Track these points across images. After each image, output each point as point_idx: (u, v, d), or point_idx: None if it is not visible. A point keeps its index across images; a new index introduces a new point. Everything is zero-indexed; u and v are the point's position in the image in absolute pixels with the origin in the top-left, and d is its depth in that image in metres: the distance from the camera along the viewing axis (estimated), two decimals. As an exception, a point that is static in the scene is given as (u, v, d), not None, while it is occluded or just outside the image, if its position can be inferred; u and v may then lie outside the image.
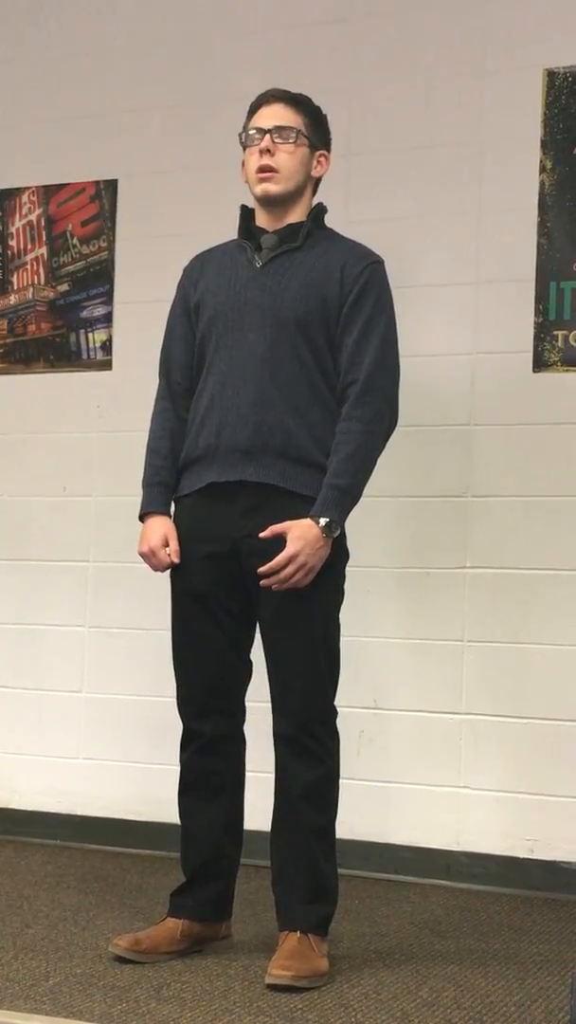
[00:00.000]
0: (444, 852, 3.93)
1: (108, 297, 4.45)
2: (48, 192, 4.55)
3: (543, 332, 3.90)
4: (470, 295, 4.01)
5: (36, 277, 4.57)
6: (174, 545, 3.10)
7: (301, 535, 2.96)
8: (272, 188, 3.10)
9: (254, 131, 3.12)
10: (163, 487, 3.15)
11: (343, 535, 3.06)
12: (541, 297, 3.90)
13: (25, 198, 4.59)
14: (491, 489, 3.96)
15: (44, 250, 4.56)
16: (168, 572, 3.15)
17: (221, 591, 3.07)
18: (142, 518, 3.16)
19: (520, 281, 3.93)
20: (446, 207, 4.04)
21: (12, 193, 4.61)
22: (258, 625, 3.11)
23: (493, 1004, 2.81)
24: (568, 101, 3.90)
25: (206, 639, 3.10)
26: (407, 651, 4.02)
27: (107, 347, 4.44)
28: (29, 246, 4.58)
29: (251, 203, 3.19)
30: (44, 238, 4.56)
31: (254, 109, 3.16)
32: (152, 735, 4.15)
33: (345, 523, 3.04)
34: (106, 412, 4.41)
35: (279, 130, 3.09)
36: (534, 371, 3.92)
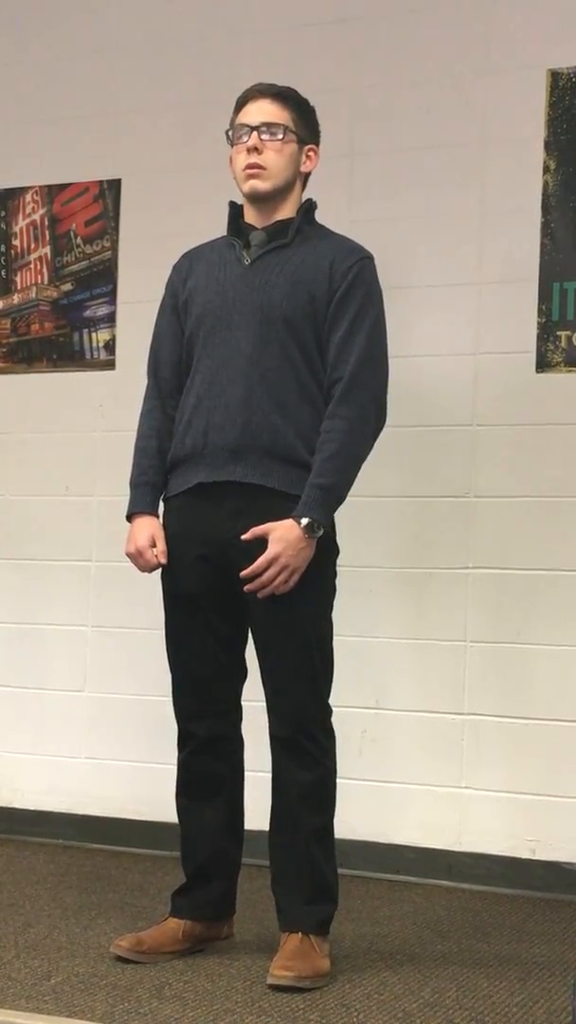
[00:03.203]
0: (446, 852, 3.93)
1: (111, 297, 4.45)
2: (52, 192, 4.55)
3: (546, 333, 3.90)
4: (473, 295, 4.01)
5: (39, 277, 4.57)
6: (161, 546, 3.08)
7: (282, 536, 2.93)
8: (260, 185, 3.06)
9: (241, 127, 3.08)
10: (151, 487, 3.14)
11: (332, 530, 3.04)
12: (544, 298, 3.90)
13: (29, 198, 4.59)
14: (494, 489, 3.95)
15: (47, 250, 4.56)
16: (160, 574, 3.14)
17: (212, 593, 3.05)
18: (129, 518, 3.14)
19: (523, 282, 3.93)
20: (449, 207, 4.04)
21: (16, 193, 4.61)
22: (250, 626, 3.10)
23: (495, 1005, 2.81)
24: (572, 102, 3.90)
25: (198, 641, 3.09)
26: (409, 651, 4.02)
27: (110, 347, 4.44)
28: (32, 245, 4.59)
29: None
30: (47, 238, 4.56)
31: (240, 104, 3.12)
32: (154, 734, 4.15)
33: (334, 519, 3.02)
34: (109, 412, 4.41)
35: (267, 127, 3.05)
36: (537, 372, 3.91)
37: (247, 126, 3.07)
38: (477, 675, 3.94)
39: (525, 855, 3.86)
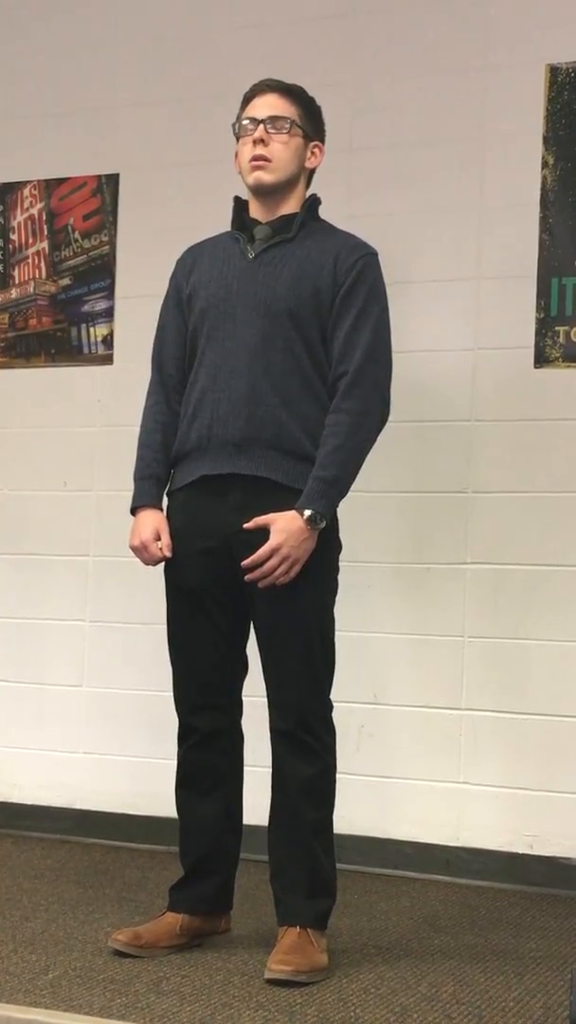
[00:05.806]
0: (444, 848, 3.94)
1: (109, 291, 4.45)
2: (50, 186, 4.55)
3: (544, 328, 3.90)
4: (472, 291, 4.01)
5: (37, 271, 4.57)
6: (166, 539, 3.09)
7: (284, 527, 2.94)
8: (265, 177, 3.07)
9: (248, 121, 3.09)
10: (155, 480, 3.14)
11: (335, 526, 3.05)
12: (543, 293, 3.90)
13: (27, 192, 4.58)
14: (492, 485, 3.96)
15: (45, 244, 4.56)
16: (162, 567, 3.14)
17: (215, 587, 3.06)
18: (133, 511, 3.15)
19: (522, 277, 3.93)
20: (448, 203, 4.04)
21: (14, 187, 4.61)
22: (252, 620, 3.10)
23: (492, 999, 2.81)
24: (571, 97, 3.89)
25: (200, 635, 3.09)
26: (407, 646, 4.02)
27: (108, 341, 4.44)
28: (30, 240, 4.58)
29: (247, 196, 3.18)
30: (45, 232, 4.56)
31: (248, 99, 3.14)
32: (152, 729, 4.15)
33: (336, 514, 3.03)
34: (107, 407, 4.41)
35: (273, 120, 3.07)
36: (535, 367, 3.92)
37: (254, 119, 3.08)
38: (475, 670, 3.94)
39: (523, 850, 3.86)
